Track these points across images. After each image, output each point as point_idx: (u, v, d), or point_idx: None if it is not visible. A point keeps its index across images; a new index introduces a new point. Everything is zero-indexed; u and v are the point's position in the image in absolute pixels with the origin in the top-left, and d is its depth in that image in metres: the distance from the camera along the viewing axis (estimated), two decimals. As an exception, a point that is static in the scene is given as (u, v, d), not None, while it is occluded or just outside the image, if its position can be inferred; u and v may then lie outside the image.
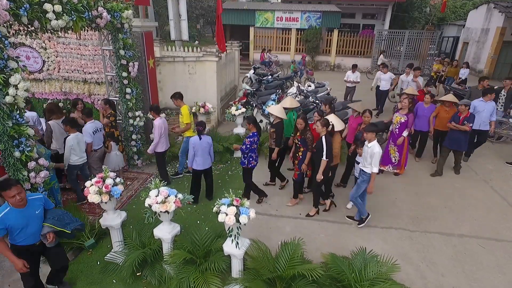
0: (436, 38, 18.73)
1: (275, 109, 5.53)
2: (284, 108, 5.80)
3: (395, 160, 6.35)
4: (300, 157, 5.06)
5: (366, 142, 4.56)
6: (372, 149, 4.40)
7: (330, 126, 4.77)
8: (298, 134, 5.11)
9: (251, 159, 5.08)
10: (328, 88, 10.45)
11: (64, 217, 3.29)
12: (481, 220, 5.15)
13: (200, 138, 4.95)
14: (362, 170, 4.64)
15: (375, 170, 4.45)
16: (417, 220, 5.12)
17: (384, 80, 9.97)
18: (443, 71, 12.95)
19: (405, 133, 6.10)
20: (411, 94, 7.03)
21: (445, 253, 4.42)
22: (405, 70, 9.61)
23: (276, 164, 5.92)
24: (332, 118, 5.15)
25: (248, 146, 4.94)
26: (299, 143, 5.05)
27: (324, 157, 4.62)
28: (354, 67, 10.66)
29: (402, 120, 6.08)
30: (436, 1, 25.90)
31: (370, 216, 4.94)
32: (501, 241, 4.68)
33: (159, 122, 5.46)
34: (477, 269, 4.16)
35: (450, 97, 6.64)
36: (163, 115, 5.99)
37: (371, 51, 18.86)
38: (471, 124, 5.98)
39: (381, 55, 16.98)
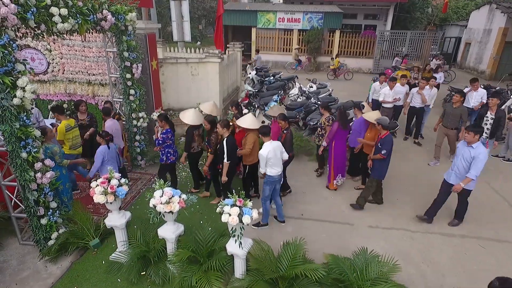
0: (438, 38, 18.75)
1: (184, 115, 5.41)
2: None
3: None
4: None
5: None
6: (260, 150, 4.51)
7: (231, 127, 4.89)
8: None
9: (169, 154, 5.21)
10: (330, 89, 10.49)
11: None
12: (482, 221, 5.18)
13: (109, 147, 4.88)
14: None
15: (263, 171, 4.56)
16: (418, 220, 5.15)
17: (400, 93, 8.15)
18: (415, 79, 10.59)
19: (324, 143, 5.75)
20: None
21: (446, 253, 4.46)
22: (379, 78, 8.64)
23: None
24: (247, 117, 5.17)
25: (160, 142, 5.07)
26: (206, 144, 5.18)
27: (225, 160, 4.72)
28: (392, 80, 8.07)
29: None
30: (438, 2, 25.89)
31: (268, 226, 4.93)
32: (501, 242, 4.72)
33: (109, 124, 5.52)
34: (478, 269, 4.20)
35: (371, 115, 5.51)
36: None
37: (373, 52, 18.87)
38: (383, 152, 4.90)
39: (434, 59, 15.73)
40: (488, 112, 6.44)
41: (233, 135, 5.02)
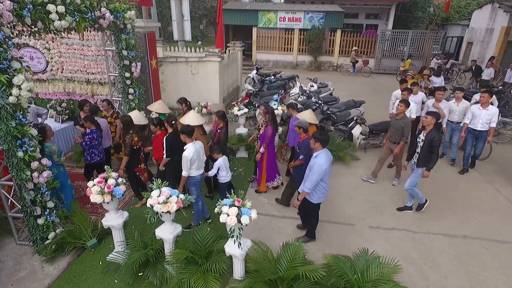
0: (440, 38, 18.65)
1: (132, 115, 5.27)
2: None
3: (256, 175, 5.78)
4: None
5: None
6: (184, 152, 4.31)
7: (174, 123, 4.81)
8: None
9: (93, 155, 5.13)
10: (331, 88, 10.43)
11: None
12: (485, 221, 5.11)
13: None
14: None
15: (184, 173, 4.32)
16: (420, 221, 5.09)
17: (415, 103, 6.78)
18: (425, 88, 9.36)
19: (261, 150, 5.39)
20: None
21: (448, 254, 4.39)
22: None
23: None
24: (189, 114, 5.11)
25: (88, 142, 4.99)
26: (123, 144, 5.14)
27: (164, 156, 4.72)
28: (427, 91, 6.82)
29: (260, 132, 5.47)
30: (440, 1, 25.78)
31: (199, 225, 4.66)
32: (505, 243, 4.64)
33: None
34: (480, 270, 4.13)
35: (304, 115, 5.24)
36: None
37: (374, 52, 18.80)
38: (301, 157, 4.70)
39: (435, 59, 15.21)
40: (422, 133, 4.96)
41: (177, 133, 4.77)
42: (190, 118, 4.92)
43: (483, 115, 6.06)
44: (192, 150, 4.23)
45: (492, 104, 6.39)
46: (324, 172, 3.93)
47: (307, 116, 5.21)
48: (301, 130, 4.76)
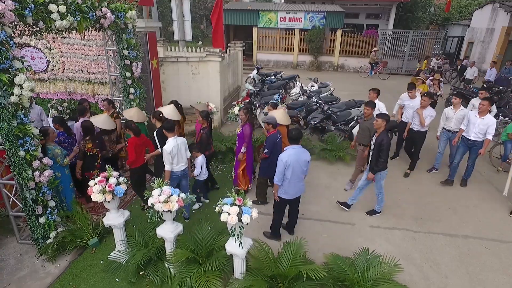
0: (440, 38, 18.64)
1: (100, 118, 5.22)
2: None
3: (232, 175, 5.77)
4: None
5: None
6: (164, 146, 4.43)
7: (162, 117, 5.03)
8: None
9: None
10: (332, 88, 10.44)
11: None
12: (486, 221, 5.11)
13: None
14: None
15: (167, 167, 4.43)
16: (421, 220, 5.09)
17: (411, 108, 6.50)
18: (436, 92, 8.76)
19: (243, 149, 5.34)
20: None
21: (449, 254, 4.39)
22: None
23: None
24: (167, 109, 5.21)
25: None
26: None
27: (158, 149, 4.94)
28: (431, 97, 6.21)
29: (238, 132, 5.42)
30: (440, 1, 25.76)
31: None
32: (505, 243, 4.64)
33: (77, 124, 5.36)
34: (481, 270, 4.13)
35: (276, 114, 5.27)
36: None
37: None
38: (265, 151, 4.87)
39: (434, 58, 14.99)
40: (374, 136, 4.86)
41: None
42: (167, 112, 5.16)
43: (478, 124, 5.52)
44: (172, 144, 4.33)
45: (490, 112, 6.06)
46: (285, 166, 3.97)
47: (278, 116, 5.22)
48: (270, 126, 4.89)
